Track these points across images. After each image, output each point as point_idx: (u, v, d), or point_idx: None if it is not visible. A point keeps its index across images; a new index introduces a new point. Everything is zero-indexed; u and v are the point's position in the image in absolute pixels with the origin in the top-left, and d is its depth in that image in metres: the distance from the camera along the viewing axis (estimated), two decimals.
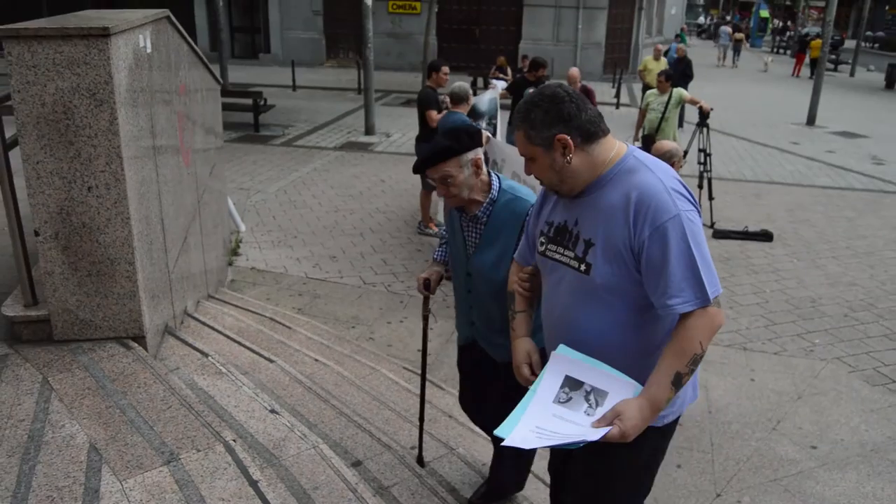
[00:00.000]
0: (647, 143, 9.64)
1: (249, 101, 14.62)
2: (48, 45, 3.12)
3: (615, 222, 2.12)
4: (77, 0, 20.37)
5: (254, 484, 2.66)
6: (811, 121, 17.62)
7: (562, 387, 2.20)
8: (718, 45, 33.51)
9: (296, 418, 3.36)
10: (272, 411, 3.36)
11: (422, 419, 3.77)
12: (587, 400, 2.16)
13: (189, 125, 5.32)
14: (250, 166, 11.80)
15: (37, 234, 3.37)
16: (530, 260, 2.56)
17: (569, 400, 2.17)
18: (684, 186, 2.15)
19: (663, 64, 14.88)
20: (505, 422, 2.18)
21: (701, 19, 46.79)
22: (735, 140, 15.37)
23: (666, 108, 9.47)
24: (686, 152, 7.87)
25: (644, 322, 2.19)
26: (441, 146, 2.92)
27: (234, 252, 7.85)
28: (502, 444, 2.10)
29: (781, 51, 41.03)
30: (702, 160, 9.55)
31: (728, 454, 4.70)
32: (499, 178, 3.05)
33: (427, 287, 3.37)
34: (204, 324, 4.60)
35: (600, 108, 10.50)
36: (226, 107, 14.45)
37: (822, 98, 17.70)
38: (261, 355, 4.21)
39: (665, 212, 2.05)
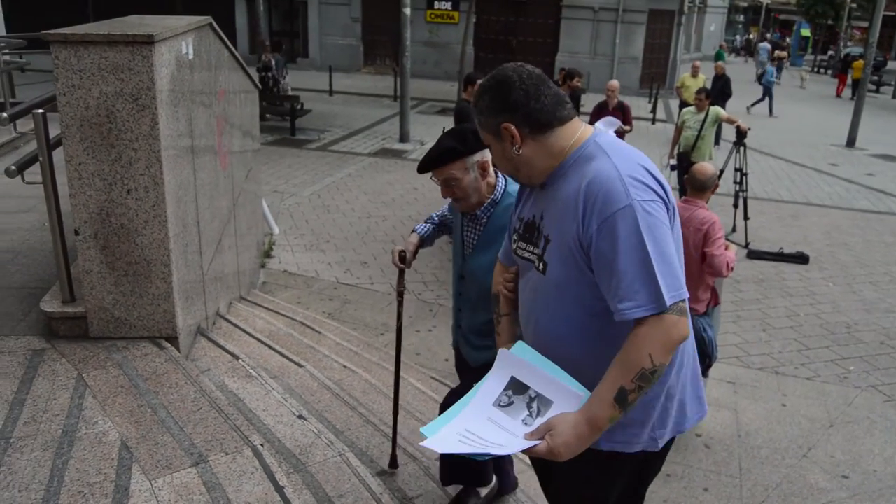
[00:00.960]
0: (683, 161, 9.59)
1: (287, 105, 14.77)
2: (94, 51, 3.19)
3: (568, 216, 1.89)
4: (123, 4, 20.79)
5: (280, 489, 2.68)
6: (851, 142, 17.36)
7: (505, 389, 2.00)
8: (757, 62, 33.33)
9: (323, 425, 3.37)
10: (300, 417, 3.39)
11: (396, 411, 3.52)
12: (529, 407, 1.94)
13: (227, 129, 5.39)
14: (285, 170, 11.91)
15: (77, 233, 3.44)
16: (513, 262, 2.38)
17: (510, 404, 1.97)
18: (652, 175, 1.87)
19: (701, 81, 14.76)
20: (436, 420, 2.01)
21: (737, 38, 46.19)
22: (772, 160, 15.18)
23: (702, 126, 9.39)
24: (722, 171, 7.82)
25: (604, 328, 1.91)
26: (446, 147, 2.76)
27: (267, 254, 7.93)
28: (420, 443, 1.95)
29: (822, 70, 40.48)
30: (738, 179, 9.46)
31: (757, 480, 4.64)
32: (506, 179, 2.90)
33: (402, 260, 3.16)
34: (235, 326, 4.65)
35: (636, 123, 10.44)
36: (264, 110, 14.66)
37: (863, 119, 17.43)
38: (290, 359, 4.24)
39: (615, 201, 1.79)
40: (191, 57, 3.98)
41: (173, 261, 3.54)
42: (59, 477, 2.69)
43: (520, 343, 2.08)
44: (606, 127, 9.80)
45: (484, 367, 2.21)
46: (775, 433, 5.19)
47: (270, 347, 4.36)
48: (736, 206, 9.45)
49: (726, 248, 4.64)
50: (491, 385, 2.02)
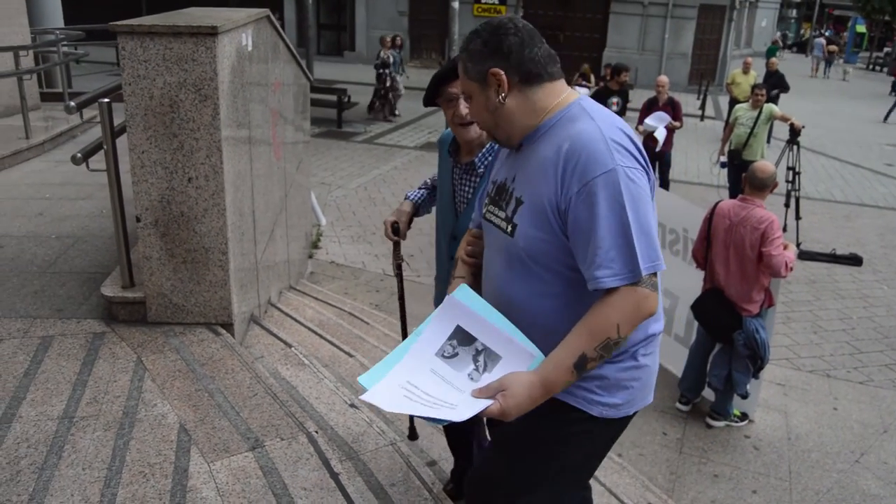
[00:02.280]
0: (733, 159, 9.43)
1: (334, 98, 14.88)
2: (159, 42, 3.26)
3: (544, 178, 1.79)
4: None
5: (335, 476, 2.72)
6: None
7: (450, 338, 1.84)
8: (812, 57, 33.51)
9: (374, 414, 3.41)
10: (352, 405, 3.43)
11: None
12: (475, 361, 1.81)
13: (281, 121, 5.46)
14: (332, 161, 12.01)
15: (138, 219, 3.52)
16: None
17: (454, 356, 1.82)
18: (634, 143, 1.80)
19: (752, 77, 14.47)
20: (373, 369, 1.84)
21: (788, 35, 45.13)
22: (825, 159, 14.86)
23: (755, 123, 9.22)
24: None
25: (577, 298, 1.82)
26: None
27: (315, 245, 8.01)
28: (360, 396, 1.81)
29: (878, 68, 39.49)
30: (790, 178, 9.28)
31: (807, 484, 4.56)
32: None
33: (396, 232, 2.96)
34: (286, 314, 4.71)
35: (685, 119, 10.31)
36: (311, 102, 14.81)
37: None
38: (340, 349, 4.28)
39: (598, 165, 1.70)
40: (250, 49, 4.04)
41: (230, 249, 3.61)
42: (121, 457, 2.76)
43: (464, 288, 1.91)
44: (656, 122, 9.71)
45: None
46: (826, 437, 5.09)
47: (321, 336, 4.41)
48: (787, 205, 9.27)
49: (785, 247, 4.56)
50: (434, 332, 1.86)
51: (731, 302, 4.76)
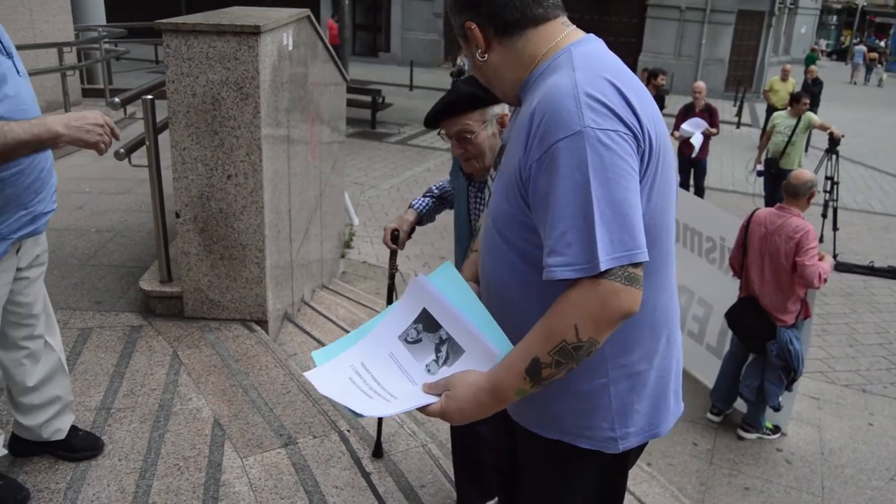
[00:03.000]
0: (770, 167, 9.32)
1: (368, 98, 14.96)
2: (203, 40, 3.30)
3: (518, 141, 1.51)
4: None
5: (366, 475, 2.74)
6: None
7: (415, 321, 1.64)
8: (851, 63, 33.39)
9: (406, 415, 3.42)
10: None
11: None
12: (437, 350, 1.60)
13: (318, 121, 5.50)
14: (365, 162, 12.08)
15: (177, 216, 3.57)
16: None
17: (417, 342, 1.63)
18: (623, 97, 1.44)
19: (791, 85, 14.29)
20: (331, 345, 1.69)
21: (821, 43, 44.19)
22: (863, 168, 14.62)
23: (794, 131, 9.10)
24: None
25: (545, 282, 1.46)
26: (464, 92, 2.37)
27: (348, 245, 8.06)
28: (304, 373, 1.64)
29: None
30: (828, 188, 9.14)
31: (840, 500, 4.49)
32: None
33: (395, 240, 2.83)
34: (319, 313, 4.75)
35: (721, 126, 10.22)
36: (346, 102, 14.92)
37: None
38: None
39: (561, 126, 1.39)
40: (290, 48, 4.07)
41: (267, 246, 3.64)
42: (156, 449, 2.80)
43: (447, 266, 1.69)
44: (693, 129, 9.63)
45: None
46: (861, 453, 5.00)
47: None
48: (825, 215, 9.14)
49: (821, 258, 4.49)
50: (400, 313, 1.66)
51: (765, 311, 4.71)
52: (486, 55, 1.61)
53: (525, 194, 1.48)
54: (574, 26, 1.64)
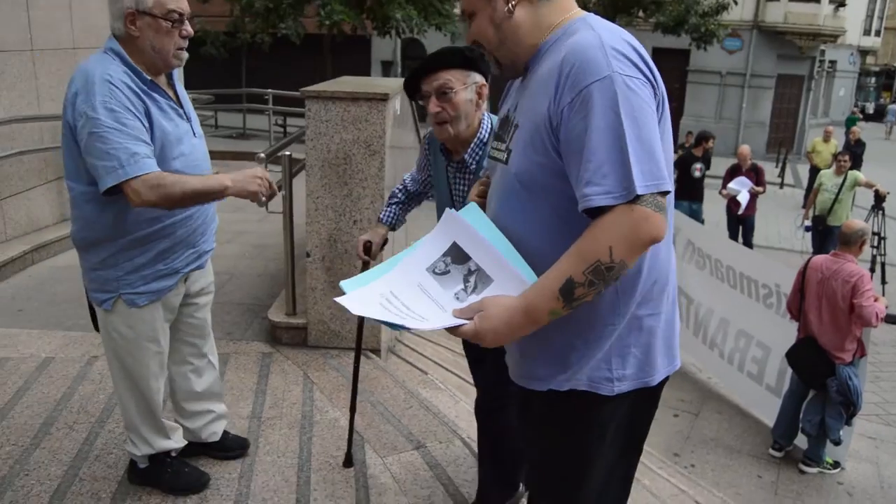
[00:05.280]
0: (818, 224, 9.71)
1: None
2: (340, 105, 3.90)
3: (543, 94, 1.62)
4: (270, 69, 22.50)
5: None
6: None
7: (444, 254, 1.71)
8: (886, 122, 36.06)
9: None
10: None
11: (353, 409, 3.25)
12: (466, 281, 1.67)
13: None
14: (433, 212, 12.65)
15: (308, 255, 4.12)
16: None
17: (445, 273, 1.69)
18: (640, 54, 1.60)
19: (833, 146, 14.72)
20: (358, 276, 1.77)
21: (859, 105, 44.47)
22: None
23: (840, 189, 9.51)
24: None
25: (572, 230, 1.59)
26: (452, 48, 2.49)
27: None
28: (336, 299, 1.67)
29: None
30: (875, 244, 9.48)
31: None
32: (490, 117, 2.59)
33: (367, 252, 2.95)
34: (412, 349, 5.23)
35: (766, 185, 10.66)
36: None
37: None
38: (466, 381, 4.77)
39: (592, 72, 1.53)
40: (398, 112, 4.67)
41: None
42: (307, 449, 3.29)
43: (473, 206, 1.78)
44: (739, 186, 10.07)
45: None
46: None
47: (447, 369, 4.91)
48: (873, 270, 9.44)
49: (875, 299, 4.89)
50: (429, 246, 1.73)
51: (824, 350, 5.09)
52: (515, 8, 1.68)
53: (554, 140, 1.59)
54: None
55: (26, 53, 5.87)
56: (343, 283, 1.69)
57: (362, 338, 3.19)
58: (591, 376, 1.72)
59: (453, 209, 1.77)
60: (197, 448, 3.15)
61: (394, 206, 3.07)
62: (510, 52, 1.74)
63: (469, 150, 2.54)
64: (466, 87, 2.45)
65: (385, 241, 3.01)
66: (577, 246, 1.53)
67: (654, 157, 1.52)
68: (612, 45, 1.55)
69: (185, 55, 2.54)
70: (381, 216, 3.07)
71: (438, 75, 2.44)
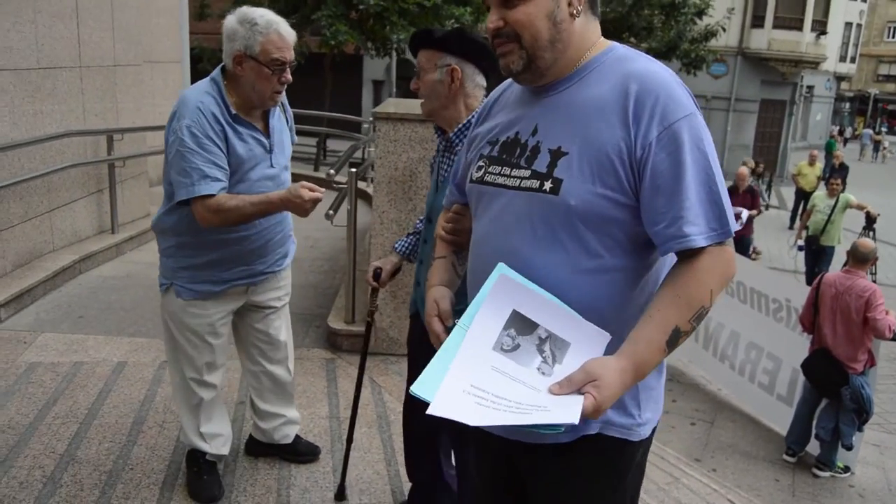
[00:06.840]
0: (811, 244, 10.14)
1: None
2: (407, 126, 4.19)
3: (604, 121, 1.50)
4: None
5: None
6: None
7: (506, 326, 1.49)
8: (860, 143, 38.89)
9: None
10: None
11: (349, 440, 3.21)
12: (541, 352, 1.47)
13: None
14: None
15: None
16: (462, 199, 1.87)
17: (515, 348, 1.47)
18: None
19: (818, 169, 15.29)
20: (423, 375, 1.45)
21: (835, 129, 45.38)
22: (892, 248, 15.40)
23: (832, 211, 9.96)
24: None
25: (628, 276, 1.54)
26: (426, 30, 2.51)
27: None
28: (429, 411, 1.37)
29: None
30: None
31: None
32: None
33: (377, 278, 2.88)
34: None
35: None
36: None
37: None
38: None
39: (679, 108, 1.46)
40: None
41: None
42: (391, 445, 3.55)
43: (502, 265, 1.54)
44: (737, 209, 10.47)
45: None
46: None
47: None
48: None
49: (887, 313, 5.26)
50: (486, 322, 1.49)
51: (838, 361, 5.44)
52: (578, 14, 1.55)
53: (629, 173, 1.48)
54: None
55: (76, 70, 6.11)
56: (414, 389, 1.42)
57: (365, 367, 3.25)
58: (621, 424, 1.62)
59: (501, 263, 1.54)
60: (271, 449, 3.36)
61: (411, 237, 2.96)
62: (550, 57, 1.57)
63: (455, 130, 2.47)
64: (436, 68, 2.42)
65: (397, 270, 2.94)
66: (678, 293, 1.45)
67: (727, 196, 1.50)
68: (679, 82, 1.53)
69: (281, 97, 2.79)
70: (396, 245, 2.97)
71: (420, 54, 2.48)
